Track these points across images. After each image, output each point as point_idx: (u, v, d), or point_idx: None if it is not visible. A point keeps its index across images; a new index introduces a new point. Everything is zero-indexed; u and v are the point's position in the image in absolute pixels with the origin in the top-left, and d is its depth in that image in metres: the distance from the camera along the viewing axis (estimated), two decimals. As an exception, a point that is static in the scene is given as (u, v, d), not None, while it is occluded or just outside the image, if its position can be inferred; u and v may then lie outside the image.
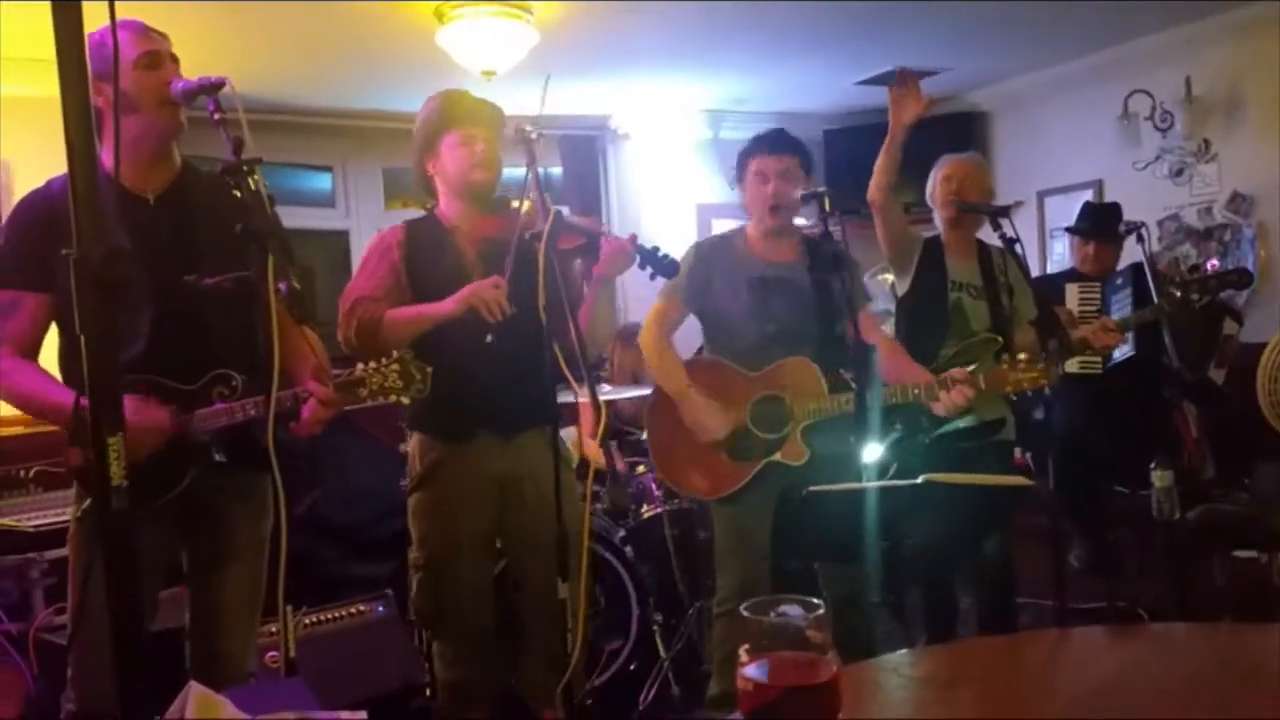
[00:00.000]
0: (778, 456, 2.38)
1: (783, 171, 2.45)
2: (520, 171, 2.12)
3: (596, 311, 2.24)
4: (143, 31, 1.86)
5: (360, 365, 1.92)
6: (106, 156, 1.86)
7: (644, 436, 3.63)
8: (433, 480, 2.25)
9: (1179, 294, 2.90)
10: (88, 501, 1.86)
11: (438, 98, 2.32)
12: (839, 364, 2.39)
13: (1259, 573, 2.60)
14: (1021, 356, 2.29)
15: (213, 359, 1.87)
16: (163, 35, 1.89)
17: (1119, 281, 3.34)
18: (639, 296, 4.20)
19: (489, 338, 2.06)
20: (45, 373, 1.85)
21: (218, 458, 1.85)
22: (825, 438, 2.36)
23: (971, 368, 2.36)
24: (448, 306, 2.11)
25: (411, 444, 2.32)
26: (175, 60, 1.87)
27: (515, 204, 2.18)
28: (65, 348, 1.86)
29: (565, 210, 2.11)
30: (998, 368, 2.31)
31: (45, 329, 1.88)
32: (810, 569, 2.44)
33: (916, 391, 2.32)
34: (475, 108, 2.29)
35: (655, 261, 2.15)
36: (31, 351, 1.87)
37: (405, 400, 1.91)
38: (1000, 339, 2.73)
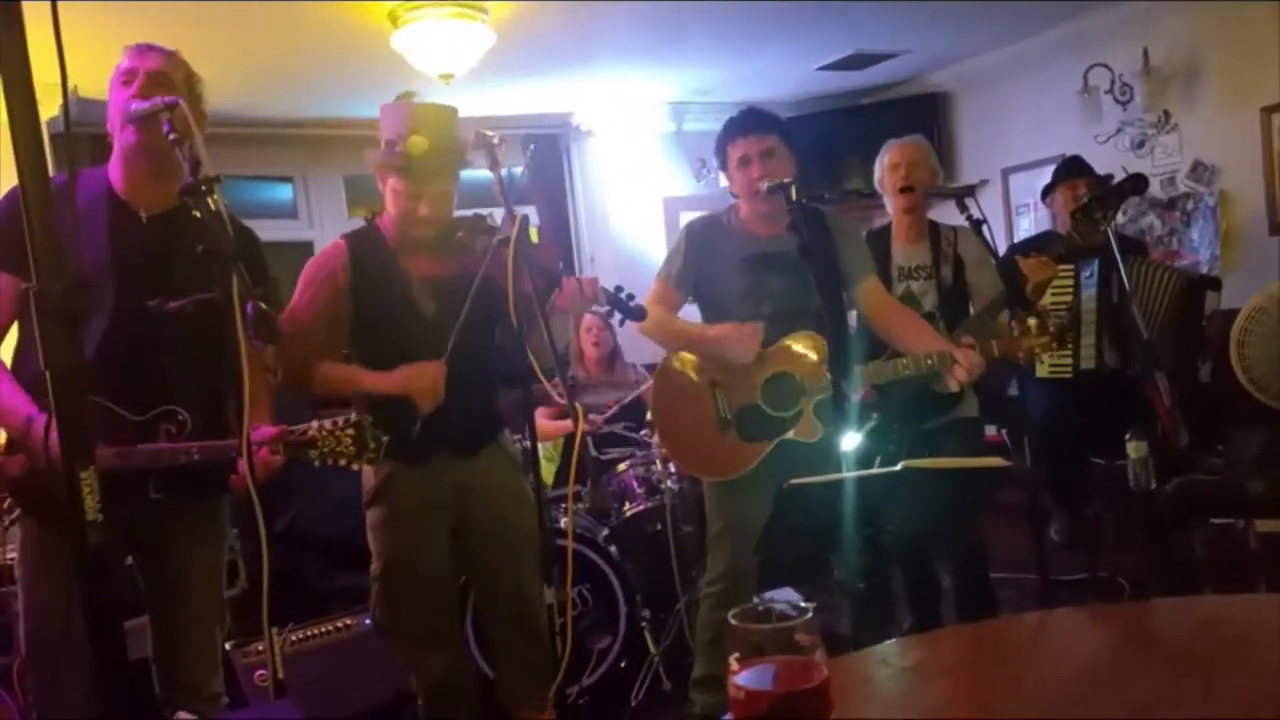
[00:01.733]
0: (791, 434, 2.36)
1: (765, 151, 2.38)
2: (484, 174, 2.09)
3: (533, 344, 2.09)
4: (138, 51, 1.86)
5: (315, 424, 1.89)
6: (114, 173, 1.88)
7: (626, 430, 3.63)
8: (388, 494, 2.23)
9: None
10: (17, 514, 1.86)
11: (403, 121, 2.18)
12: (834, 345, 2.36)
13: (1237, 539, 2.64)
14: (1032, 323, 2.29)
15: (165, 391, 1.84)
16: (164, 54, 1.87)
17: (1087, 274, 3.36)
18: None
19: (416, 428, 2.06)
20: (6, 371, 1.81)
21: (154, 495, 1.82)
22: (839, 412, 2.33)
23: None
24: (383, 383, 2.10)
25: None
26: (159, 78, 1.83)
27: (484, 217, 2.14)
28: (22, 341, 1.86)
29: (530, 218, 2.06)
30: (1012, 336, 2.31)
31: (12, 315, 1.84)
32: (797, 558, 2.46)
33: (930, 362, 2.29)
34: (427, 165, 2.15)
35: (622, 307, 2.12)
36: None
37: (355, 467, 1.90)
38: (936, 315, 2.75)
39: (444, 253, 2.21)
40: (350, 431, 1.88)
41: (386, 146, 2.20)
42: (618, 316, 2.14)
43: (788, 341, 2.40)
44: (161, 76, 1.84)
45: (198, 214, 1.66)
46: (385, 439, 1.91)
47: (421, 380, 2.06)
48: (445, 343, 2.08)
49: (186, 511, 1.91)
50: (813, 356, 2.36)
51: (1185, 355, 3.14)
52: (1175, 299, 3.19)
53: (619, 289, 2.15)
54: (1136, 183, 3.04)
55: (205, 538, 1.98)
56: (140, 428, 1.81)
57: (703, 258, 2.47)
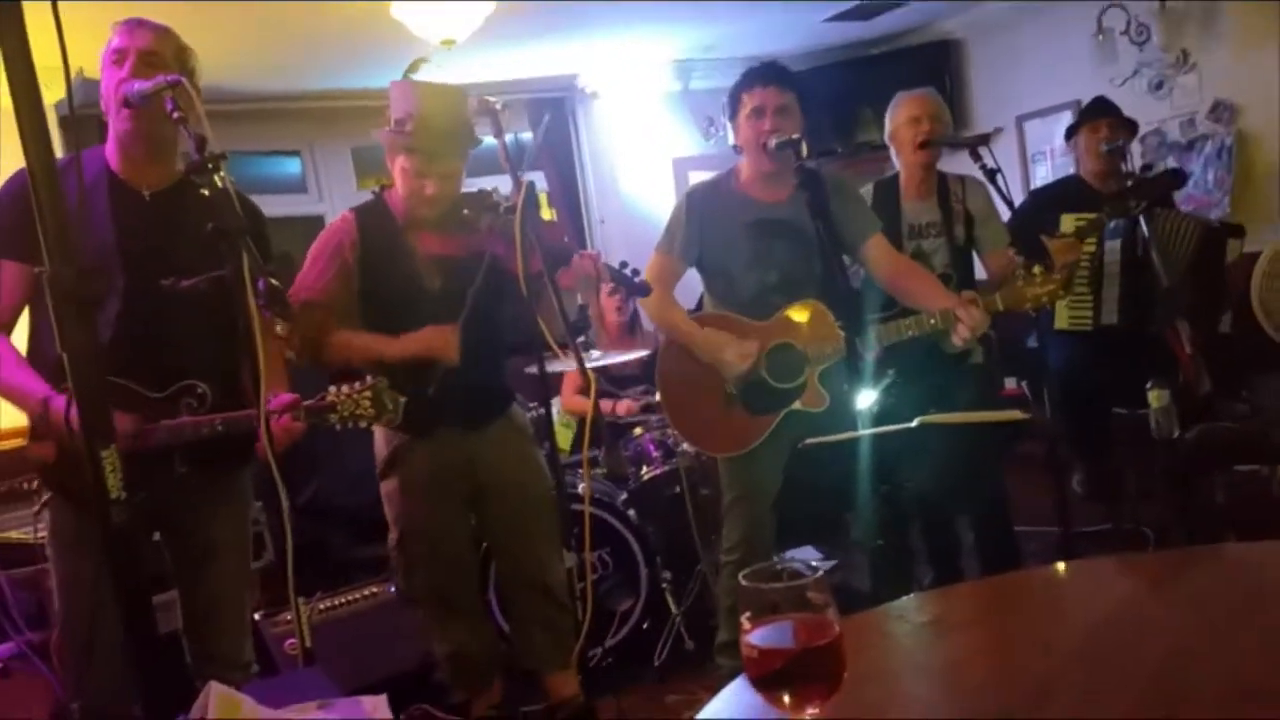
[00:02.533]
0: (797, 405, 2.36)
1: (781, 107, 2.33)
2: (489, 141, 2.08)
3: (543, 312, 2.08)
4: (128, 28, 1.84)
5: (333, 389, 1.91)
6: (110, 154, 1.86)
7: (640, 399, 3.64)
8: (400, 463, 2.28)
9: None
10: (48, 495, 1.88)
11: (411, 100, 2.19)
12: (836, 307, 2.35)
13: (1260, 487, 2.62)
14: (1036, 271, 2.25)
15: (183, 367, 1.86)
16: (155, 31, 1.84)
17: (1111, 224, 3.29)
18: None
19: (431, 390, 2.09)
20: (15, 351, 1.83)
21: (180, 469, 1.84)
22: (843, 379, 2.34)
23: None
24: (396, 350, 2.13)
25: (376, 431, 2.33)
26: (152, 58, 1.81)
27: (490, 193, 2.13)
28: (35, 327, 1.87)
29: (535, 185, 2.05)
30: (1014, 285, 2.27)
31: (24, 301, 1.86)
32: (818, 518, 2.47)
33: (933, 321, 2.27)
34: (435, 144, 2.16)
35: (626, 282, 2.13)
36: (4, 326, 1.85)
37: (375, 427, 1.93)
38: (952, 275, 2.71)
39: (450, 229, 2.22)
40: (368, 394, 1.90)
41: (395, 125, 2.20)
42: (621, 291, 2.15)
43: (788, 312, 2.38)
44: (153, 55, 1.82)
45: (205, 192, 1.66)
46: (403, 399, 1.94)
47: (431, 342, 2.11)
48: (451, 317, 2.11)
49: (210, 484, 1.94)
50: (814, 325, 2.34)
51: (1207, 303, 3.08)
52: (1196, 247, 3.13)
53: (623, 264, 2.16)
54: (1175, 177, 3.00)
55: (230, 509, 2.01)
56: (161, 404, 1.83)
57: (705, 226, 2.43)
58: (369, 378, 1.93)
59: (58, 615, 1.90)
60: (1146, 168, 3.28)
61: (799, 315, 2.36)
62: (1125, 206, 2.74)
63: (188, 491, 1.90)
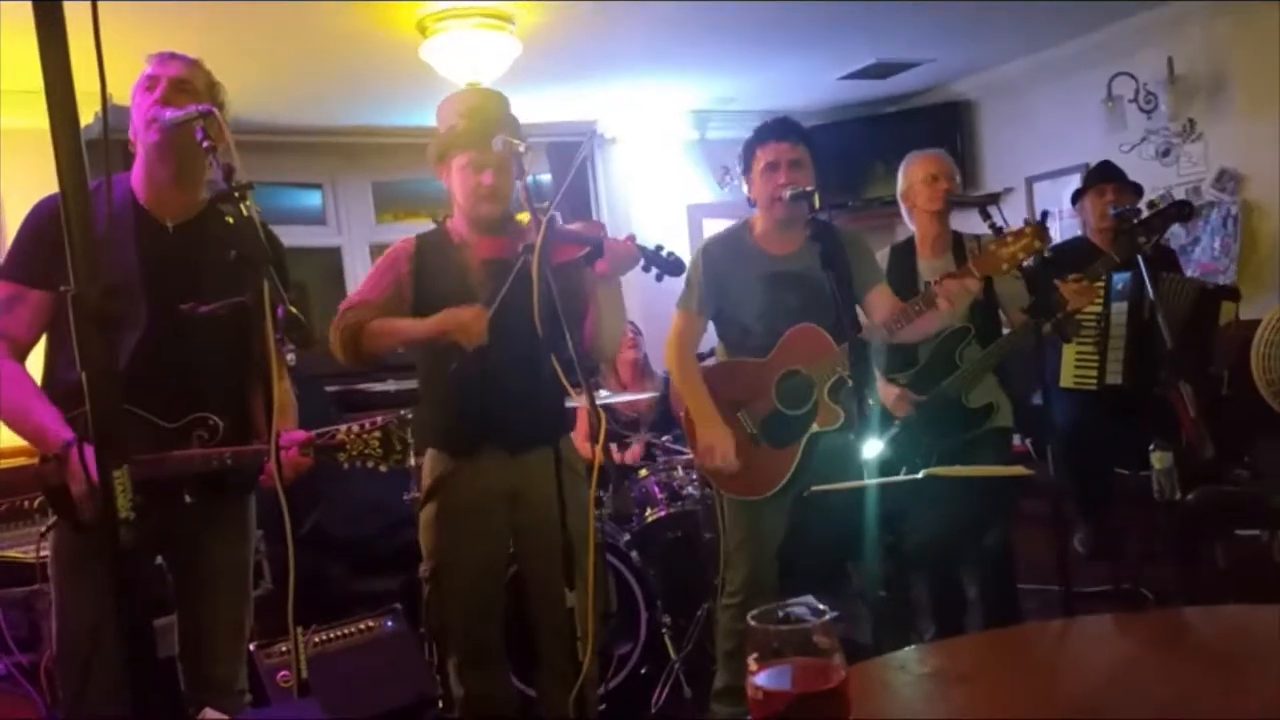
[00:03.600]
0: (815, 427, 2.38)
1: (795, 160, 2.39)
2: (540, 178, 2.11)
3: (604, 313, 2.18)
4: (161, 59, 1.88)
5: (342, 429, 1.92)
6: (136, 181, 1.90)
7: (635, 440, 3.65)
8: (441, 492, 2.24)
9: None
10: (54, 520, 1.88)
11: (458, 103, 2.25)
12: (856, 357, 2.36)
13: (1261, 552, 2.61)
14: (1007, 231, 2.24)
15: (197, 398, 1.87)
16: (187, 62, 1.89)
17: (1119, 285, 3.32)
18: (637, 298, 4.20)
19: (453, 366, 2.07)
20: (36, 387, 1.84)
21: (187, 499, 1.84)
22: (850, 397, 2.36)
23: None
24: (423, 328, 2.12)
25: (425, 457, 2.31)
26: (183, 85, 1.85)
27: (521, 218, 2.17)
28: (51, 352, 1.88)
29: (558, 217, 2.08)
30: (986, 249, 2.27)
31: (40, 331, 1.87)
32: (817, 566, 2.45)
33: (917, 306, 2.31)
34: (488, 128, 2.16)
35: (659, 261, 2.10)
36: (24, 352, 1.87)
37: (383, 469, 1.92)
38: (971, 328, 2.74)
39: (504, 233, 2.22)
40: (377, 435, 1.91)
41: (446, 131, 2.23)
42: (654, 271, 2.11)
43: (786, 339, 2.41)
44: (184, 83, 1.85)
45: (230, 220, 1.69)
46: (411, 442, 1.93)
47: (458, 317, 2.06)
48: (503, 322, 2.04)
49: (216, 511, 1.94)
50: (810, 345, 2.38)
51: (1199, 363, 3.10)
52: (1191, 307, 3.16)
53: (659, 247, 2.12)
54: (1182, 209, 3.03)
55: (233, 537, 2.01)
56: (174, 435, 1.84)
57: (721, 280, 2.49)
58: (379, 418, 1.93)
59: (55, 635, 1.89)
60: (1152, 204, 3.31)
61: (798, 339, 2.40)
62: (1135, 243, 2.77)
63: (193, 517, 1.90)
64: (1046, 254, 2.24)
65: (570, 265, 2.06)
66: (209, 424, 1.86)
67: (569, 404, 2.35)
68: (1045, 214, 2.46)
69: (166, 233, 1.90)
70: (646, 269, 2.12)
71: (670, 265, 2.12)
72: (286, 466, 1.83)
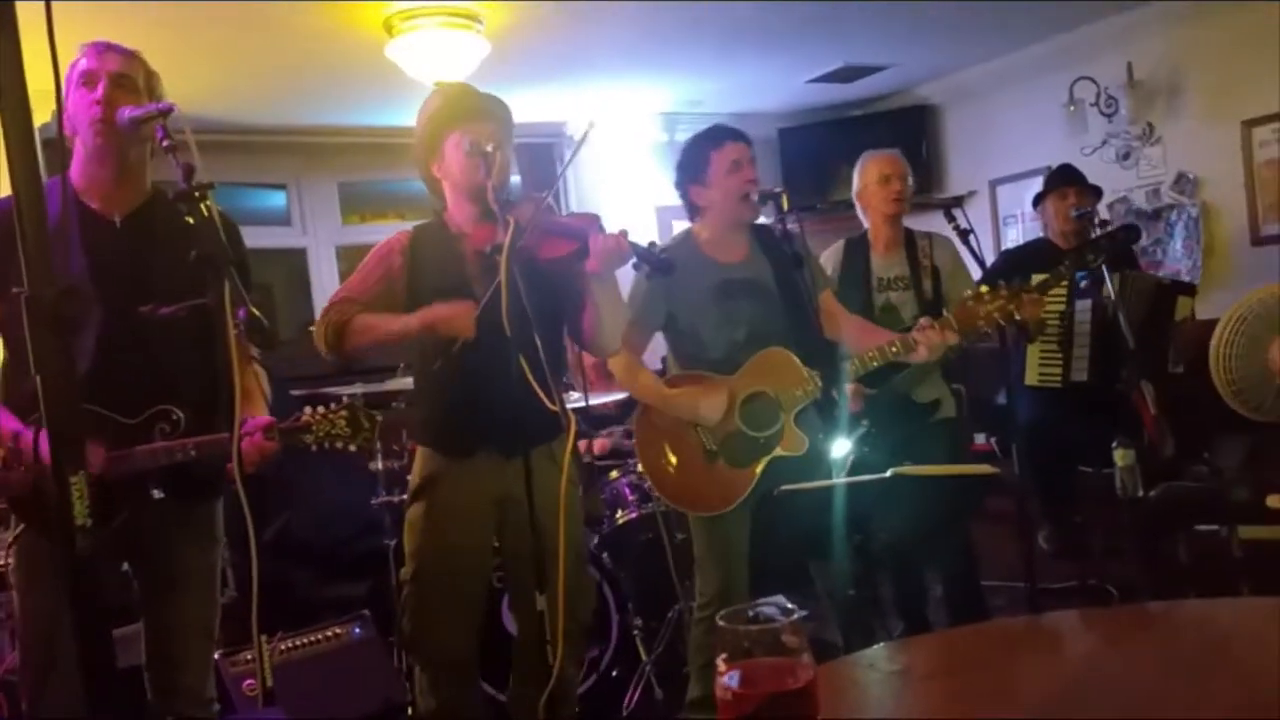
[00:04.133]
0: (779, 450, 2.36)
1: (752, 158, 2.41)
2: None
3: (601, 309, 2.13)
4: (96, 51, 1.82)
5: (308, 410, 1.89)
6: (76, 175, 1.85)
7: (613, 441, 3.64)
8: (428, 492, 2.18)
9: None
10: (20, 528, 1.84)
11: (439, 94, 2.22)
12: (811, 358, 2.38)
13: (1220, 546, 2.66)
14: (983, 290, 2.27)
15: (158, 392, 1.84)
16: (125, 55, 1.84)
17: (1082, 283, 3.37)
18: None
19: (438, 364, 2.04)
20: None
21: (155, 494, 1.82)
22: (817, 424, 2.37)
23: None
24: (406, 324, 2.06)
25: (417, 457, 2.26)
26: (124, 80, 1.80)
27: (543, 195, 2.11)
28: (7, 357, 1.85)
29: (553, 206, 2.03)
30: (963, 304, 2.31)
31: None
32: (789, 568, 2.46)
33: (894, 349, 2.32)
34: (481, 104, 2.16)
35: (651, 259, 2.04)
36: None
37: (352, 448, 1.89)
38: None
39: (496, 221, 2.10)
40: (344, 414, 1.88)
41: (432, 113, 2.18)
42: (645, 269, 2.06)
43: (754, 362, 2.39)
44: (125, 79, 1.81)
45: (190, 220, 1.66)
46: (379, 418, 1.90)
47: (443, 311, 2.02)
48: (499, 318, 1.91)
49: (182, 515, 1.91)
50: (781, 370, 2.37)
51: (1156, 357, 3.16)
52: (1147, 302, 3.23)
53: (652, 244, 2.08)
54: (1129, 233, 3.12)
55: (201, 541, 1.97)
56: (135, 430, 1.81)
57: (671, 289, 2.42)
58: (345, 398, 1.91)
59: (19, 640, 1.86)
60: (1105, 223, 3.39)
61: (765, 363, 2.39)
62: (1085, 260, 2.82)
63: (160, 521, 1.87)
64: (1017, 319, 2.29)
65: (560, 261, 2.02)
66: (171, 417, 1.84)
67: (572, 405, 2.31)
68: (1027, 281, 2.50)
69: (113, 228, 1.87)
70: (637, 267, 2.06)
71: (661, 264, 2.06)
72: (253, 452, 1.80)
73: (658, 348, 2.63)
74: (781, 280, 2.41)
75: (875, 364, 2.35)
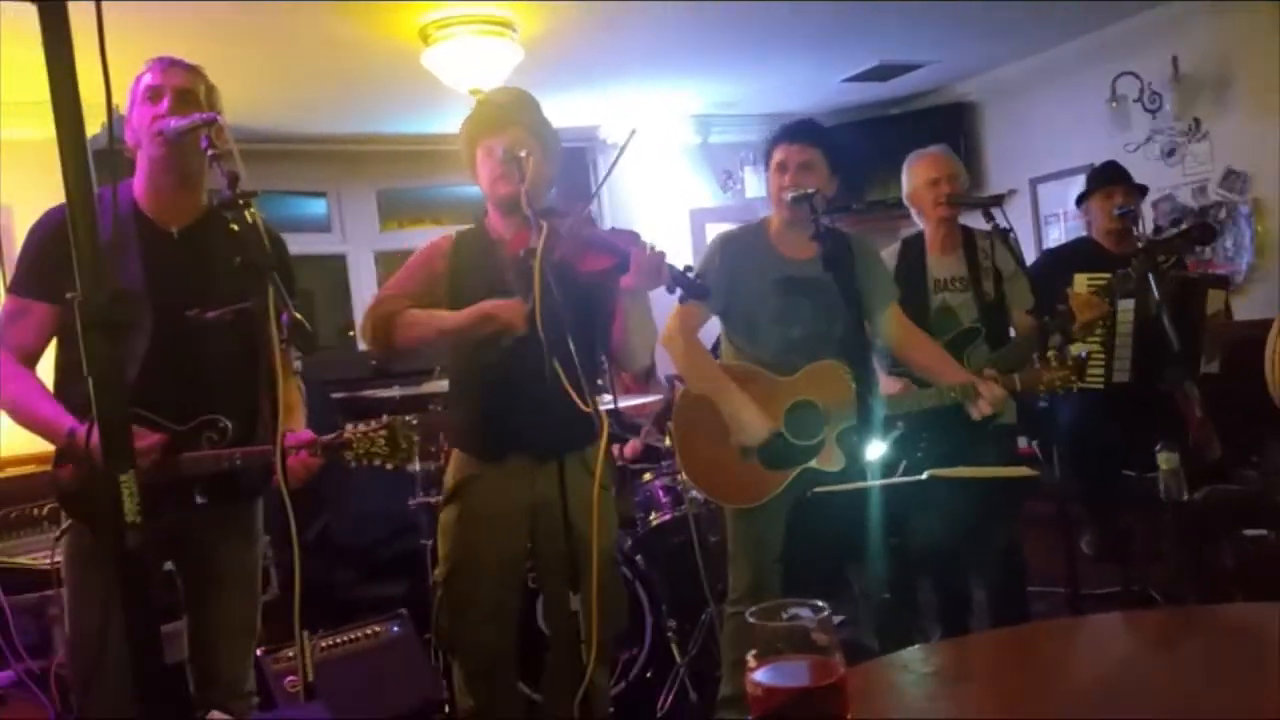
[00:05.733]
0: (814, 463, 2.35)
1: (805, 163, 2.37)
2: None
3: (631, 324, 2.14)
4: (161, 66, 1.89)
5: (349, 427, 1.93)
6: (138, 187, 1.92)
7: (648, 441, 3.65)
8: (463, 496, 2.20)
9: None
10: (68, 524, 1.90)
11: (475, 106, 2.25)
12: (861, 359, 2.35)
13: (1269, 551, 2.59)
14: (1051, 355, 2.32)
15: (206, 401, 1.88)
16: (188, 70, 1.90)
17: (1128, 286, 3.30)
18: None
19: (506, 342, 2.03)
20: (42, 385, 1.87)
21: (199, 500, 1.86)
22: (857, 438, 2.32)
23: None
24: (458, 319, 2.07)
25: (451, 458, 2.29)
26: (187, 95, 1.86)
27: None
28: (63, 362, 1.90)
29: (593, 215, 2.04)
30: (1033, 369, 2.34)
31: (48, 340, 1.90)
32: (820, 569, 2.44)
33: (953, 394, 2.31)
34: (500, 113, 2.16)
35: (686, 284, 2.03)
36: (32, 360, 1.89)
37: (389, 466, 1.93)
38: (982, 329, 2.74)
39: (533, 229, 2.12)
40: (383, 433, 1.92)
41: (464, 124, 2.22)
42: (678, 292, 2.05)
43: (811, 370, 2.38)
44: (188, 93, 1.86)
45: (235, 227, 1.71)
46: (417, 440, 1.94)
47: (495, 306, 2.02)
48: (538, 323, 1.94)
49: (225, 515, 1.96)
50: (835, 385, 2.34)
51: (1186, 353, 3.08)
52: (1175, 298, 3.15)
53: (688, 268, 2.07)
54: (1203, 233, 3.03)
55: (242, 541, 2.02)
56: (183, 437, 1.86)
57: (735, 275, 2.44)
58: (385, 417, 1.94)
59: (67, 637, 1.91)
60: (1158, 230, 3.31)
61: (823, 374, 2.37)
62: (1155, 260, 2.77)
63: (202, 521, 1.92)
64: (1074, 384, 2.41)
65: (598, 274, 2.03)
66: (218, 426, 1.88)
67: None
68: (1087, 355, 2.53)
69: (171, 239, 1.92)
70: (671, 290, 2.05)
71: (696, 289, 2.05)
72: (297, 467, 1.85)
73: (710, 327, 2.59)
74: (841, 283, 2.35)
75: (930, 404, 2.34)
